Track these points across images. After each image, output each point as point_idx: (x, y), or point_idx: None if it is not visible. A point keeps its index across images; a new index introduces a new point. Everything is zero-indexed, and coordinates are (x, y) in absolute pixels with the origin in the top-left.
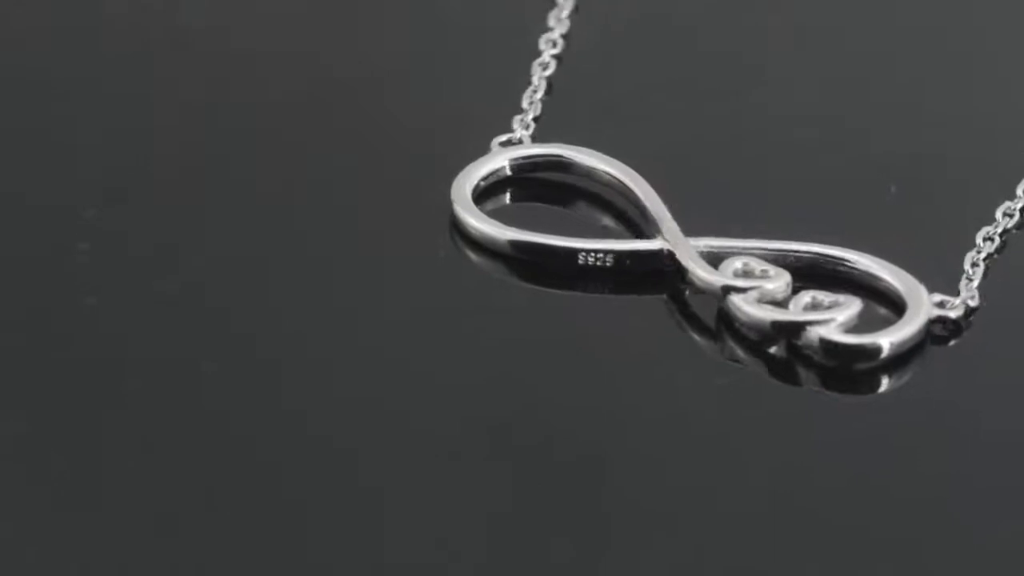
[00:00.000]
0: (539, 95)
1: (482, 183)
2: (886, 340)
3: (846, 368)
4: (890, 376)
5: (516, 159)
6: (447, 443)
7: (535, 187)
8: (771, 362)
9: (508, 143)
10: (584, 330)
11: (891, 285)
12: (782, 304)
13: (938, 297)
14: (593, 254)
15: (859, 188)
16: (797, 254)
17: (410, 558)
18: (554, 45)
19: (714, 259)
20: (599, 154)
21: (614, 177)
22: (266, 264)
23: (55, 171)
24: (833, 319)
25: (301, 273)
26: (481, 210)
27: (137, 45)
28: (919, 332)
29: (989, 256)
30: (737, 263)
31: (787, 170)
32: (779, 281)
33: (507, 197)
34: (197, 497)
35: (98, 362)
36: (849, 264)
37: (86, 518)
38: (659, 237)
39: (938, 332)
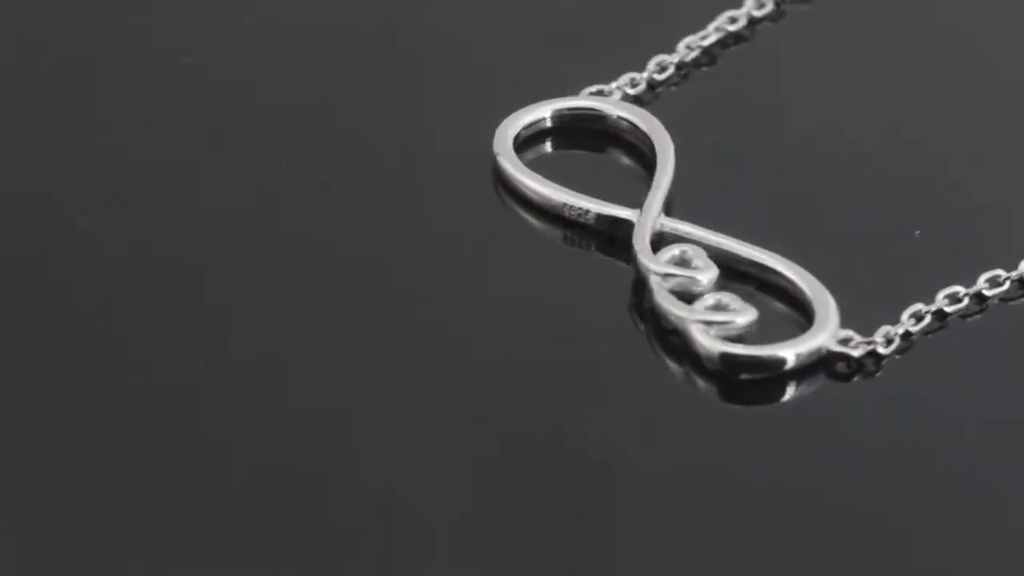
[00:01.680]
0: (668, 67)
1: (524, 132)
2: (758, 351)
3: (740, 377)
4: (763, 394)
5: (558, 110)
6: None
7: (572, 139)
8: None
9: (598, 93)
10: (536, 283)
11: (809, 304)
12: (697, 297)
13: (846, 333)
14: (576, 210)
15: (875, 219)
16: (739, 257)
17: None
18: (732, 21)
19: (673, 240)
20: (641, 113)
21: (645, 138)
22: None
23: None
24: (719, 322)
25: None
26: (521, 158)
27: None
28: (806, 355)
29: (927, 316)
30: (676, 250)
31: (816, 186)
32: (704, 275)
33: (547, 146)
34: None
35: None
36: (781, 278)
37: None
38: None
39: (840, 368)
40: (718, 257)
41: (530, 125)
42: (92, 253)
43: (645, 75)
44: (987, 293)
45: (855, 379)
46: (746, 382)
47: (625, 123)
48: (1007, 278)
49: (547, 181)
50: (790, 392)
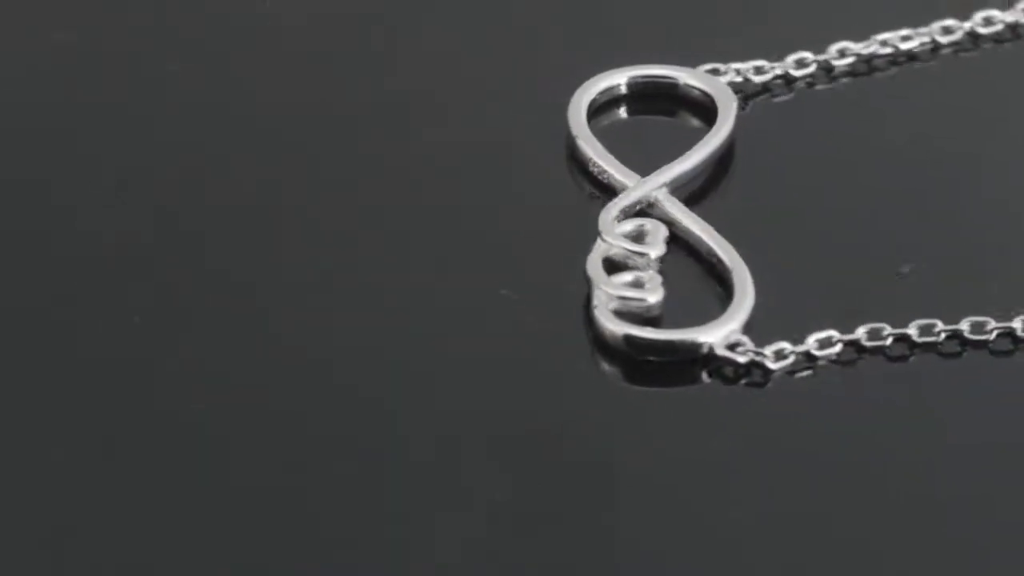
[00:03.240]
0: (809, 64)
1: (600, 97)
2: (636, 332)
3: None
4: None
5: (633, 77)
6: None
7: (645, 107)
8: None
9: (714, 71)
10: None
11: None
12: (628, 269)
13: (737, 338)
14: (598, 167)
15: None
16: (702, 246)
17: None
18: (905, 39)
19: (657, 215)
20: (717, 87)
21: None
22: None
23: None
24: (625, 298)
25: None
26: (595, 125)
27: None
28: (684, 345)
29: (838, 344)
30: (639, 222)
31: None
32: (652, 251)
33: (621, 112)
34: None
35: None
36: (725, 270)
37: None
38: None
39: (726, 371)
40: (691, 244)
41: (606, 91)
42: (92, 253)
43: (779, 65)
44: (916, 338)
45: (736, 385)
46: (636, 367)
47: (697, 92)
48: (942, 330)
49: (592, 139)
50: (666, 383)
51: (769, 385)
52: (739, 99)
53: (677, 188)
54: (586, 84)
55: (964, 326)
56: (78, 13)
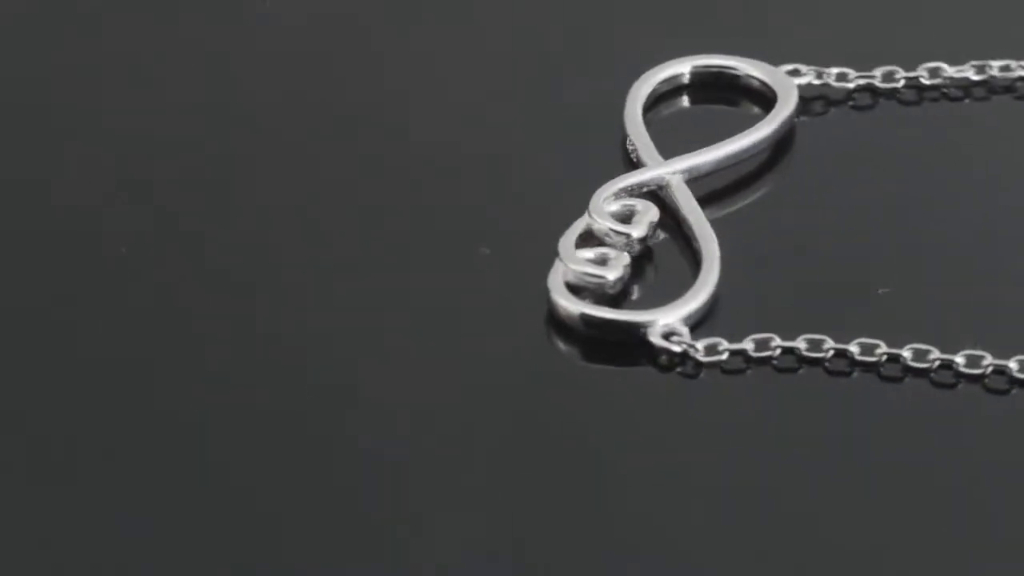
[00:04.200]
0: (898, 80)
1: (662, 86)
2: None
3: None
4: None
5: (697, 66)
6: None
7: (708, 95)
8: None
9: (794, 72)
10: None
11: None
12: (602, 245)
13: (672, 327)
14: (632, 145)
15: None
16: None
17: None
18: (1006, 69)
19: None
20: (781, 83)
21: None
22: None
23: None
24: (585, 273)
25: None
26: (656, 113)
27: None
28: (620, 323)
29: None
30: (637, 204)
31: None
32: (633, 231)
33: (684, 101)
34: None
35: None
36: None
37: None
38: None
39: (661, 359)
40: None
41: (669, 79)
42: (92, 253)
43: (862, 75)
44: (861, 358)
45: (669, 374)
46: (588, 345)
47: (756, 82)
48: (884, 352)
49: (636, 118)
50: (610, 363)
51: (701, 377)
52: (799, 98)
53: (714, 175)
54: (650, 71)
55: (906, 352)
56: (78, 13)
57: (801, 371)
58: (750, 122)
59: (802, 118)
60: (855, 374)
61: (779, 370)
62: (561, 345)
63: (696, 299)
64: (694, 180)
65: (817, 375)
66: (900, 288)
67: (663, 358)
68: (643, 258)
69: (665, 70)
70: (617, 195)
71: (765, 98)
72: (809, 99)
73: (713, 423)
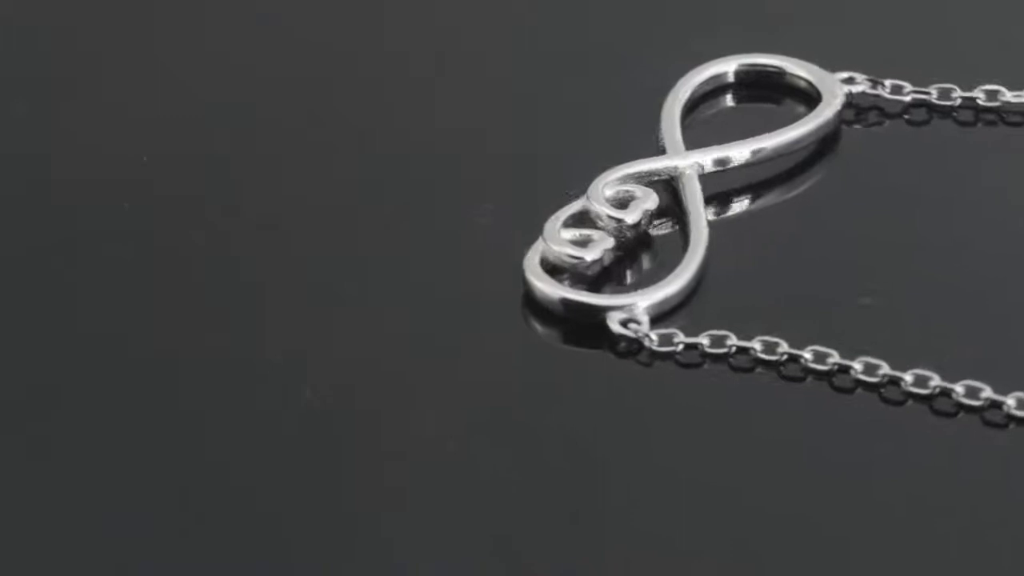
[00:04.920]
0: (955, 99)
1: (706, 85)
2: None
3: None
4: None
5: (743, 65)
6: None
7: (752, 94)
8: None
9: (848, 80)
10: None
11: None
12: (591, 227)
13: (630, 315)
14: (659, 137)
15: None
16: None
17: None
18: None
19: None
20: (825, 83)
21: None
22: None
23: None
24: (565, 254)
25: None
26: (702, 109)
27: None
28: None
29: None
30: (637, 190)
31: None
32: (627, 216)
33: (728, 99)
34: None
35: None
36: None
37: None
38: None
39: (620, 345)
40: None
41: (713, 78)
42: (93, 253)
43: (917, 90)
44: (813, 366)
45: (624, 360)
46: (564, 325)
47: (803, 82)
48: (836, 363)
49: (672, 112)
50: (568, 346)
51: (654, 367)
52: (849, 105)
53: (752, 171)
54: (695, 69)
55: (857, 365)
56: (78, 13)
57: (757, 372)
58: (794, 122)
59: (855, 126)
60: (808, 380)
61: (734, 369)
62: (536, 325)
63: (662, 290)
64: (723, 173)
65: (772, 378)
66: (892, 306)
67: (621, 345)
68: (641, 245)
69: (710, 68)
70: (623, 180)
71: (811, 100)
72: (865, 108)
73: (658, 412)
